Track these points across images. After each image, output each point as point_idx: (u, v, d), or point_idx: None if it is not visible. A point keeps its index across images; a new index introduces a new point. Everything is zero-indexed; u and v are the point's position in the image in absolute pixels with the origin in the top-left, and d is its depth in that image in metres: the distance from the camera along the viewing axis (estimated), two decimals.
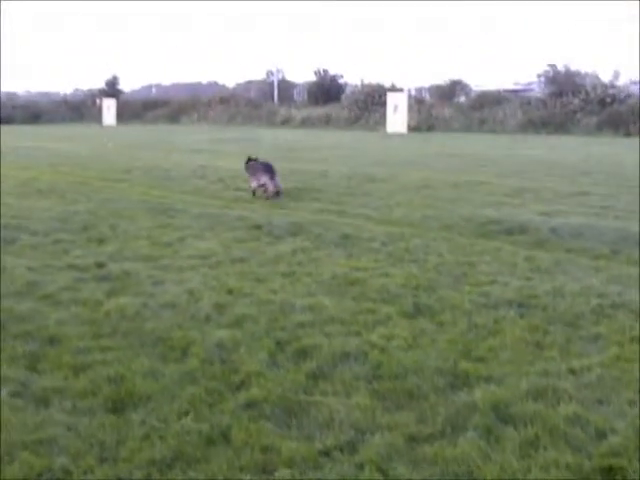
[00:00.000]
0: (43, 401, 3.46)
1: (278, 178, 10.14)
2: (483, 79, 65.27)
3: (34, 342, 4.26)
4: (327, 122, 37.90)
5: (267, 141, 25.66)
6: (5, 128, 37.11)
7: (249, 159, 10.55)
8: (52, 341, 4.29)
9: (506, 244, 7.17)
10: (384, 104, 35.12)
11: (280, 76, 49.89)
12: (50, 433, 3.12)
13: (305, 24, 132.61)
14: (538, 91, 38.38)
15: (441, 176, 13.07)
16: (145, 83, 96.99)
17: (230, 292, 5.34)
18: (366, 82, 39.53)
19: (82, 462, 2.89)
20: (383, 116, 34.97)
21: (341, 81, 45.73)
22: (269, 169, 10.07)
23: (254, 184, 10.15)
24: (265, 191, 10.01)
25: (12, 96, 73.39)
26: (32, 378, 3.74)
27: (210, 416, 3.27)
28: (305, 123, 38.51)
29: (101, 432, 3.14)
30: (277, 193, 10.00)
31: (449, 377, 3.71)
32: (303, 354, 4.04)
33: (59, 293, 5.32)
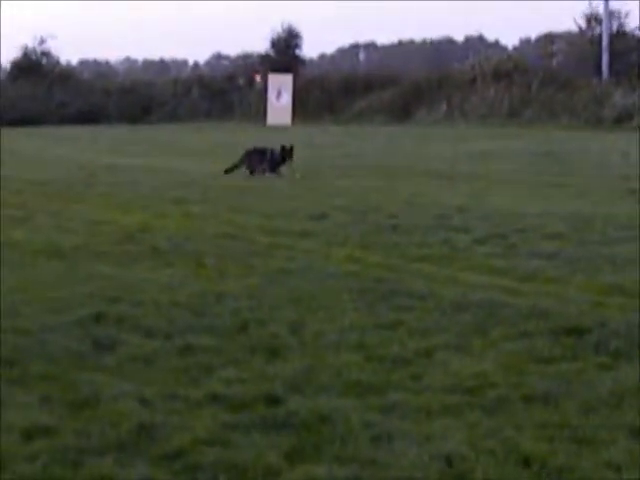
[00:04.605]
0: None
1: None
2: None
3: None
4: None
5: (587, 157, 25.54)
6: (95, 129, 40.29)
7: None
8: None
9: None
10: None
11: (617, 22, 49.45)
12: None
13: None
14: None
15: None
16: (345, 42, 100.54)
17: (526, 464, 5.38)
18: None
19: None
20: None
21: None
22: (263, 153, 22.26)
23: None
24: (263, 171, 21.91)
25: (104, 69, 78.35)
26: None
27: None
28: None
29: None
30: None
31: None
32: None
33: (198, 449, 5.60)
